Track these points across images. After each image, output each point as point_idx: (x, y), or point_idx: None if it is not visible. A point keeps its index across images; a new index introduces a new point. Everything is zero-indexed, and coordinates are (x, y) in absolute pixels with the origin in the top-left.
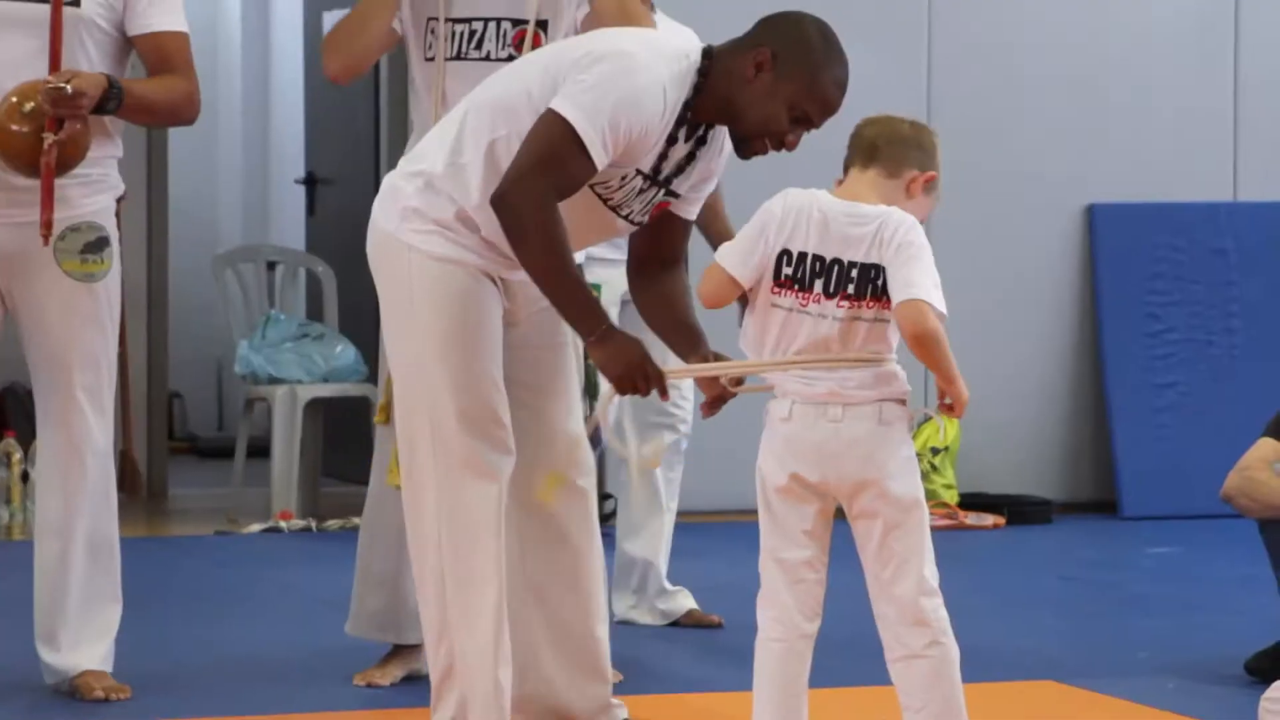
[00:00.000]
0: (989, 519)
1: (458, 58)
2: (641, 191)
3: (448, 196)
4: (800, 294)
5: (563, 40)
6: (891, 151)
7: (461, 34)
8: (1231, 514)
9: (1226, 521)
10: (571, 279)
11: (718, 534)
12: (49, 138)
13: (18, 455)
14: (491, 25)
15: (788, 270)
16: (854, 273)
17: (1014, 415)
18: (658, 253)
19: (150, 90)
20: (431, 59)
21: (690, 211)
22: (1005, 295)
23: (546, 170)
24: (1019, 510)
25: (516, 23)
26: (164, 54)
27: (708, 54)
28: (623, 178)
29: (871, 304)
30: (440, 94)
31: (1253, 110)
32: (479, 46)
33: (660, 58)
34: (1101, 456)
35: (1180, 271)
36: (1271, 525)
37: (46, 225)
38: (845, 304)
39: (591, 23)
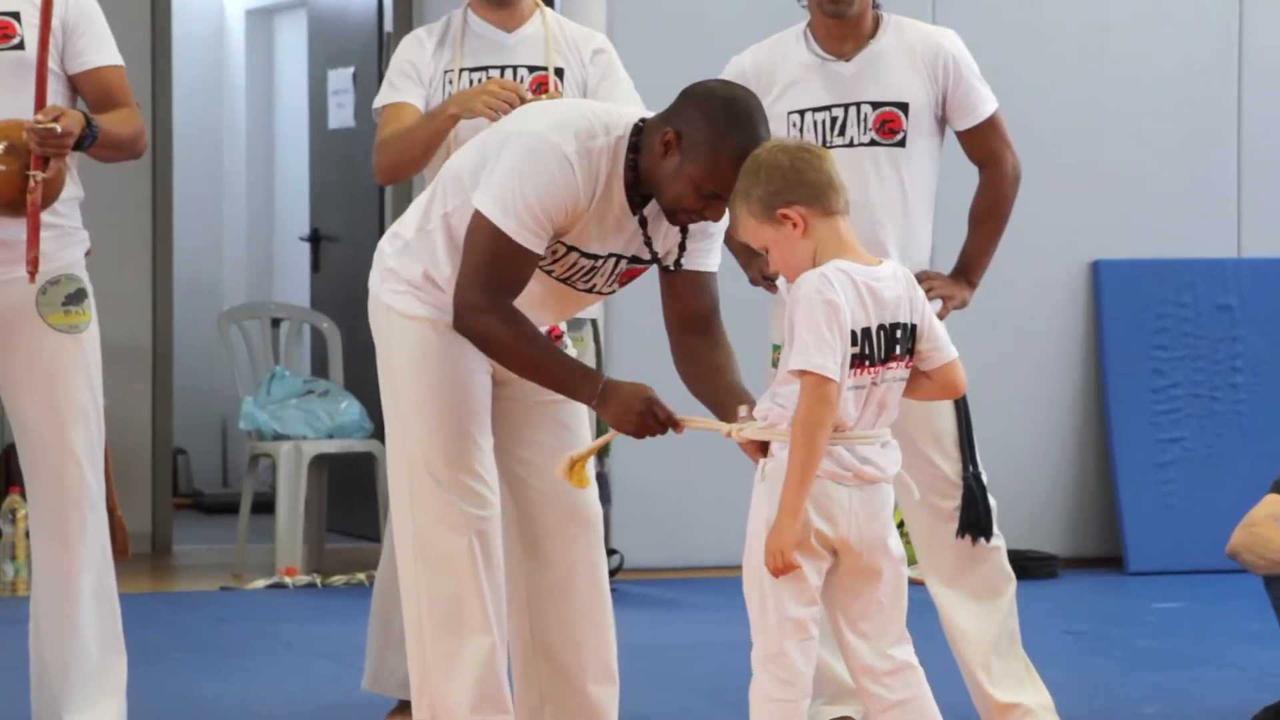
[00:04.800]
0: None
1: None
2: (594, 270)
3: (417, 258)
4: (870, 368)
5: (501, 119)
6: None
7: (479, 81)
8: (1237, 569)
9: (1232, 577)
10: (550, 362)
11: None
12: (36, 176)
13: (22, 511)
14: (509, 72)
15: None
16: (899, 333)
17: (1019, 470)
18: (688, 318)
19: (114, 124)
20: None
21: (706, 263)
22: (1010, 351)
23: (485, 280)
24: (1024, 565)
25: (533, 69)
26: (108, 89)
27: (638, 129)
28: (554, 253)
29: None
30: (453, 142)
31: (1257, 166)
32: None
33: (570, 133)
34: (1107, 511)
35: (1185, 327)
36: (1277, 581)
37: (33, 263)
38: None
39: (608, 89)
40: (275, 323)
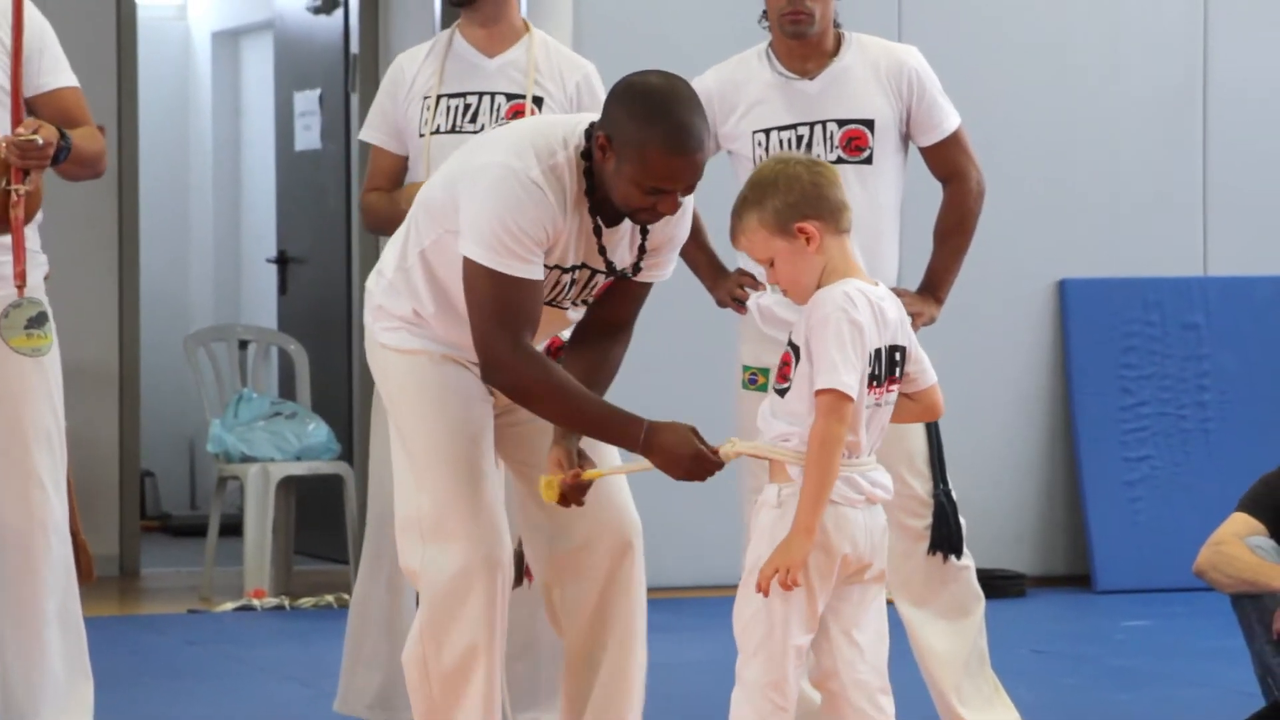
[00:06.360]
0: None
1: (453, 131)
2: (574, 283)
3: (403, 295)
4: (876, 389)
5: (464, 146)
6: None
7: (456, 108)
8: (1205, 588)
9: (1200, 595)
10: (590, 409)
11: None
12: (18, 190)
13: None
14: (486, 99)
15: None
16: (897, 355)
17: (987, 489)
18: (613, 323)
19: (83, 141)
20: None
21: (660, 274)
22: (978, 370)
23: (500, 324)
24: (992, 584)
25: (510, 97)
26: (66, 110)
27: (589, 133)
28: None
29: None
30: (428, 168)
31: (1222, 185)
32: (474, 120)
33: (530, 156)
34: (1075, 530)
35: (1152, 346)
36: (1244, 599)
37: (20, 276)
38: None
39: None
40: (242, 345)
